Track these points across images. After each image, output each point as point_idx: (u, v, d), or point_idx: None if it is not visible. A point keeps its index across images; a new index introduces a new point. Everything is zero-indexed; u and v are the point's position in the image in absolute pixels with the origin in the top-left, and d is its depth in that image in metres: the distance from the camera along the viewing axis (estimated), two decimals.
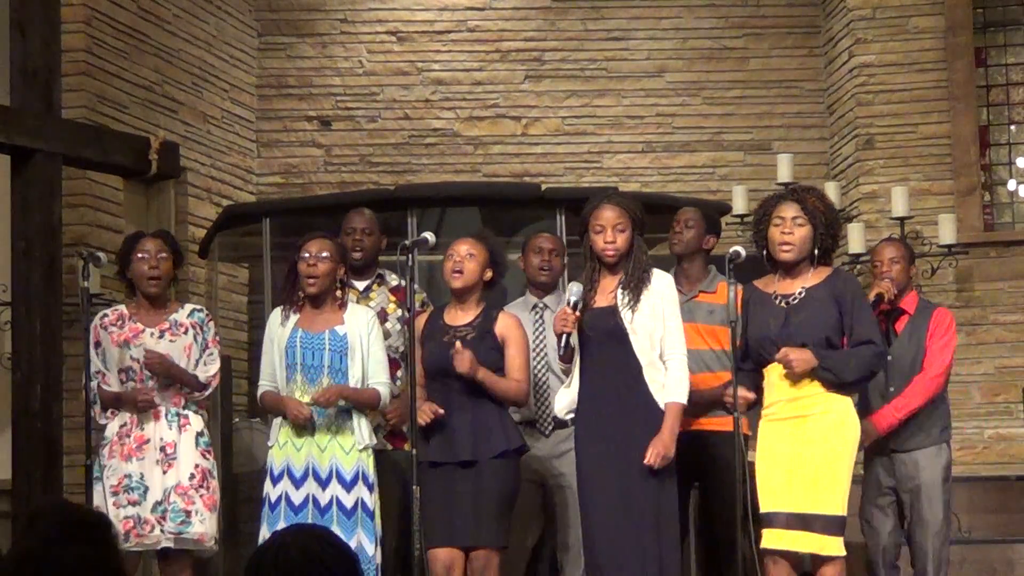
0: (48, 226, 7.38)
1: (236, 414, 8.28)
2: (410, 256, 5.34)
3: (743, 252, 5.33)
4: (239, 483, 7.62)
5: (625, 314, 5.26)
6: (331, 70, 10.09)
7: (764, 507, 5.17)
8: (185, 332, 5.81)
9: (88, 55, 8.00)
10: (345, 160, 10.06)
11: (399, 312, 6.08)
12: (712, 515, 5.87)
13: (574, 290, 5.28)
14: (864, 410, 5.38)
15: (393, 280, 6.22)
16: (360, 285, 6.15)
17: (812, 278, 5.25)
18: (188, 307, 5.96)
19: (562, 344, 5.26)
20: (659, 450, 5.17)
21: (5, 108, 7.41)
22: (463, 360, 5.30)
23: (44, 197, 7.40)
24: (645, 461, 5.15)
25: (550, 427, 6.01)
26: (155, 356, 5.71)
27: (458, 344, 5.36)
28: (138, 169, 8.21)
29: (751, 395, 5.29)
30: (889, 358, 5.61)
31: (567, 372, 5.41)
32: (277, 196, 9.70)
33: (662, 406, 5.23)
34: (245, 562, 2.78)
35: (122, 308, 5.91)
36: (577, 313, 5.25)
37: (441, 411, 5.35)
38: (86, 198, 7.98)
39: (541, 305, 6.11)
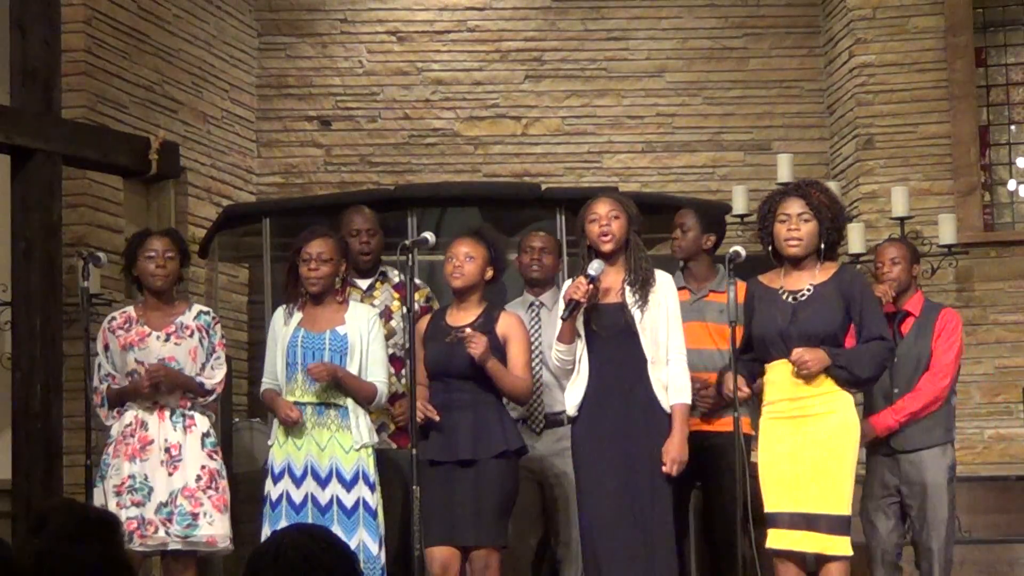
0: (48, 226, 7.38)
1: (236, 414, 8.28)
2: (410, 256, 5.33)
3: (743, 252, 5.32)
4: (239, 483, 7.59)
5: (635, 312, 5.29)
6: (331, 70, 10.09)
7: (769, 507, 5.14)
8: (191, 335, 5.73)
9: (88, 55, 8.00)
10: (345, 160, 10.06)
11: (404, 310, 6.00)
12: (713, 516, 5.86)
13: (595, 266, 5.28)
14: (868, 411, 5.36)
15: (396, 277, 6.18)
16: (363, 284, 6.13)
17: (819, 274, 5.22)
18: (195, 308, 5.86)
19: (568, 309, 5.24)
20: (674, 456, 5.23)
21: (5, 108, 7.41)
22: (478, 344, 5.28)
23: (44, 197, 7.39)
24: (664, 470, 5.20)
25: (541, 424, 6.00)
26: (158, 369, 5.61)
27: (468, 330, 5.34)
28: (138, 169, 8.20)
29: (746, 391, 5.25)
30: (895, 360, 5.60)
31: (565, 353, 5.36)
32: (277, 196, 9.70)
33: (663, 404, 5.26)
34: (244, 562, 2.78)
35: (130, 310, 5.81)
36: (592, 287, 5.24)
37: (436, 415, 5.33)
38: (86, 198, 7.98)
39: (537, 303, 6.10)
